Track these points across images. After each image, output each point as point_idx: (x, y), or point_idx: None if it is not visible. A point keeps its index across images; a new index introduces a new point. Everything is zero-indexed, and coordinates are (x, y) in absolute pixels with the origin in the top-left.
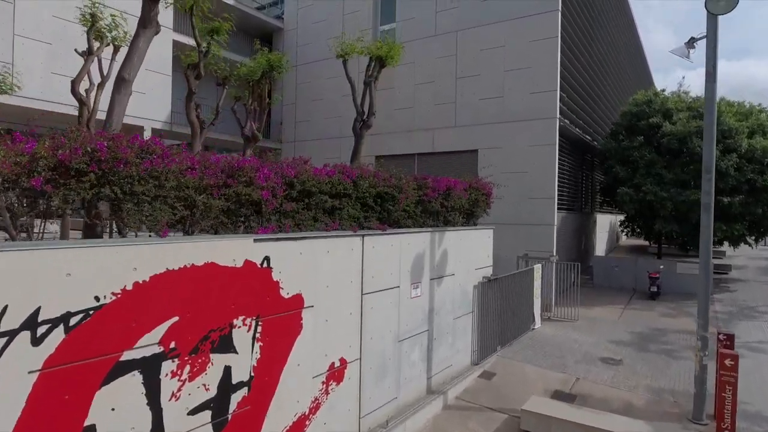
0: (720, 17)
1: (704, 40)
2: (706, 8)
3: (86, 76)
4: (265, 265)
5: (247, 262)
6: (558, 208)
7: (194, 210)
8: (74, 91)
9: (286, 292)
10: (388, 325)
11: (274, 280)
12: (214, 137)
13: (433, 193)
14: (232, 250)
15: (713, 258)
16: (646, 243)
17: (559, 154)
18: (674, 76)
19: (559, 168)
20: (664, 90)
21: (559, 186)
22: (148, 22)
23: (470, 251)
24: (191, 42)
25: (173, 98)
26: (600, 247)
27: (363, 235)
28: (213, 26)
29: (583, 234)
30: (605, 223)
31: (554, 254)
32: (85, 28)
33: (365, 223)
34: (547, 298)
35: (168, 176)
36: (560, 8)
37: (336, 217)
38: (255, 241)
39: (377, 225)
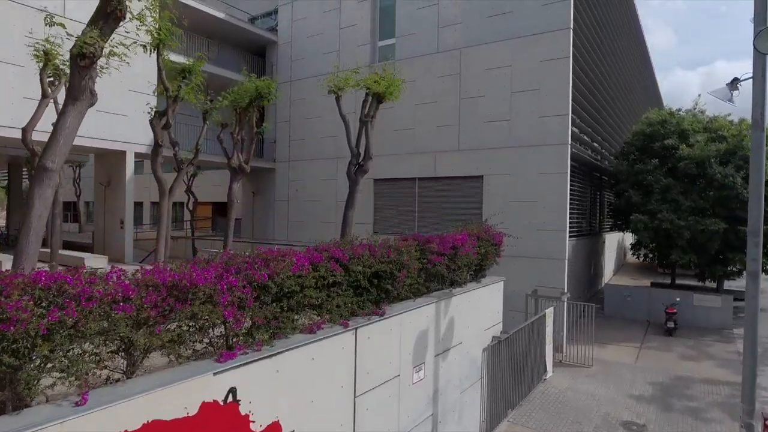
0: (720, 17)
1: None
2: (754, 46)
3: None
4: (230, 399)
5: (205, 405)
6: (569, 236)
7: (131, 351)
8: (25, 141)
9: (258, 425)
10: (387, 424)
11: (243, 414)
12: (206, 159)
13: (439, 258)
14: (182, 396)
15: (725, 279)
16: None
17: (571, 180)
18: (674, 76)
19: (570, 196)
20: (680, 110)
21: (570, 213)
22: (79, 93)
23: (479, 312)
24: (176, 57)
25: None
26: (608, 267)
27: (356, 328)
28: (184, 66)
29: (592, 258)
30: (613, 241)
31: (566, 291)
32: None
33: (359, 310)
34: (558, 339)
35: (89, 319)
36: (572, 26)
37: (323, 311)
38: (215, 374)
39: (373, 310)
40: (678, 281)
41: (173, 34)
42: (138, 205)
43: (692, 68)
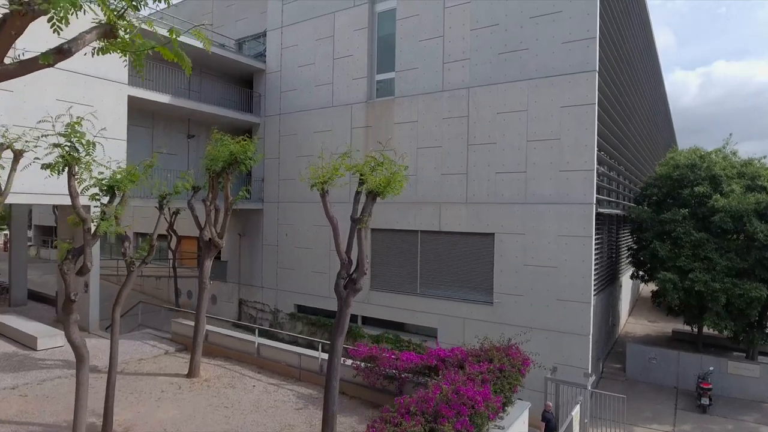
0: (719, 17)
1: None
2: None
3: None
4: None
5: None
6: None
7: None
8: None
9: None
10: None
11: None
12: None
13: None
14: None
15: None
16: None
17: (595, 241)
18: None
19: (594, 257)
20: (710, 153)
21: (594, 277)
22: None
23: None
24: (150, 96)
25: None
26: (624, 309)
27: None
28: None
29: (610, 309)
30: (628, 279)
31: (590, 372)
32: None
33: None
34: (583, 428)
35: None
36: (598, 68)
37: None
38: None
39: None
40: (705, 339)
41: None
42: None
43: (691, 69)
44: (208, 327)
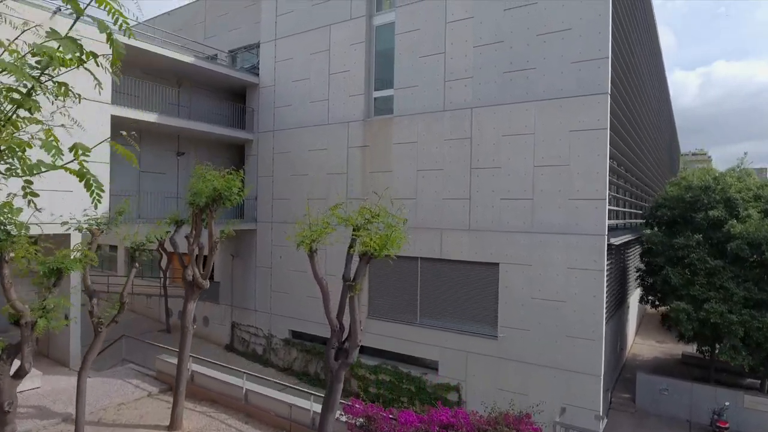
0: (720, 17)
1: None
2: None
3: None
4: None
5: None
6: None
7: None
8: None
9: None
10: None
11: None
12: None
13: None
14: None
15: None
16: None
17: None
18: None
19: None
20: (725, 175)
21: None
22: None
23: None
24: (132, 115)
25: (114, 186)
26: (631, 329)
27: None
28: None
29: (618, 334)
30: (635, 300)
31: (601, 414)
32: None
33: None
34: None
35: None
36: (609, 90)
37: None
38: None
39: None
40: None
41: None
42: (113, 248)
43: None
44: (195, 367)
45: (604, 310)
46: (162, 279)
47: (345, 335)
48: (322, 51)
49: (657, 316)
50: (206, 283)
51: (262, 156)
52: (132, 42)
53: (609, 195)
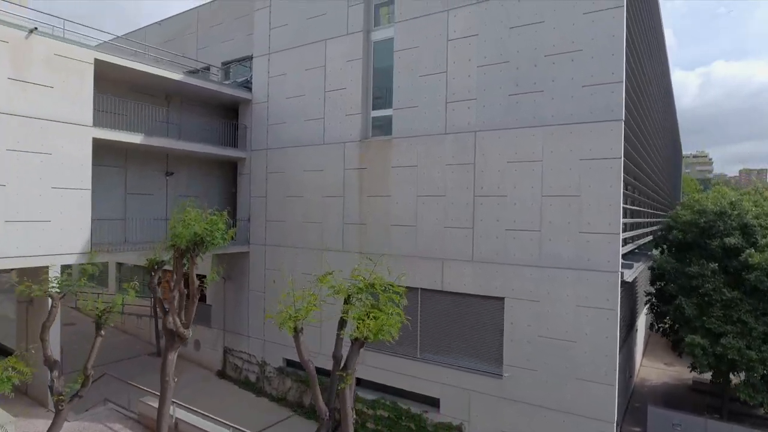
0: (720, 18)
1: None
2: None
3: None
4: None
5: None
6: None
7: None
8: None
9: None
10: None
11: None
12: None
13: None
14: None
15: None
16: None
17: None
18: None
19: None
20: (742, 199)
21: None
22: None
23: None
24: (116, 137)
25: (98, 211)
26: (638, 351)
27: None
28: None
29: (628, 362)
30: (642, 320)
31: None
32: None
33: None
34: None
35: None
36: (624, 117)
37: None
38: None
39: None
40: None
41: None
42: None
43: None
44: (180, 413)
45: (618, 353)
46: (152, 299)
47: (331, 426)
48: (317, 67)
49: (662, 347)
50: (188, 333)
51: (256, 175)
52: (116, 60)
53: (622, 226)
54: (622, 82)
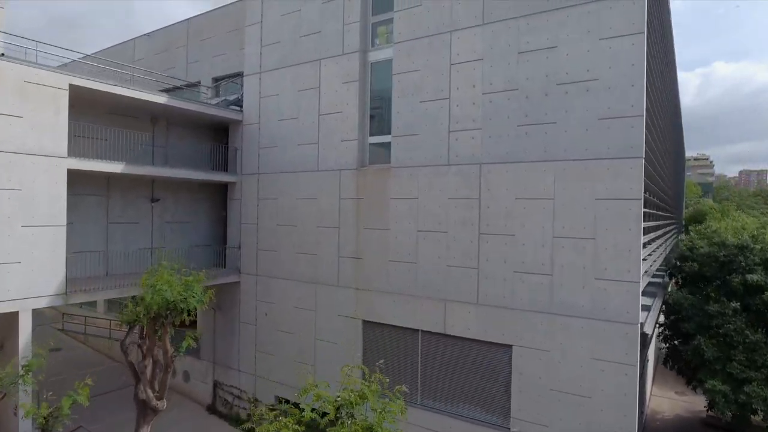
0: (719, 18)
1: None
2: None
3: None
4: None
5: None
6: None
7: None
8: None
9: None
10: None
11: None
12: None
13: None
14: None
15: None
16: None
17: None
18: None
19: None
20: (766, 233)
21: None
22: None
23: None
24: (94, 167)
25: (77, 243)
26: (648, 383)
27: None
28: None
29: (641, 398)
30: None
31: None
32: None
33: None
34: None
35: None
36: (644, 154)
37: None
38: None
39: None
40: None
41: None
42: None
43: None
44: None
45: (637, 413)
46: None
47: None
48: (311, 88)
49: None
50: (162, 404)
51: (247, 201)
52: (94, 85)
53: (642, 275)
54: (643, 116)
